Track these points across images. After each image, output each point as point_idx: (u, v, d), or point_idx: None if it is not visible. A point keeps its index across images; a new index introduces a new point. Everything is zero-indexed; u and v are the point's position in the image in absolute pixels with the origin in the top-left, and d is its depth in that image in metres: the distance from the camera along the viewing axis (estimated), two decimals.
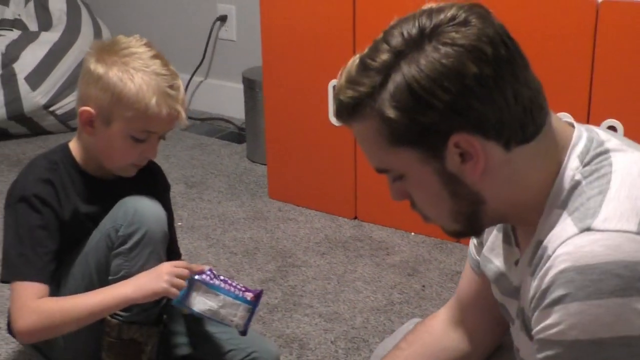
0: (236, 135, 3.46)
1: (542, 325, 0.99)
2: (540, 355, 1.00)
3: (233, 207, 2.82)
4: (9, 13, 3.58)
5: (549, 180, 1.05)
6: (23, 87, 3.29)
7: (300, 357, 2.00)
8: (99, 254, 1.67)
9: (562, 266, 0.95)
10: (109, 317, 1.68)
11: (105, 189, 1.75)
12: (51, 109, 3.36)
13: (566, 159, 1.06)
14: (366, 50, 1.06)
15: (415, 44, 1.01)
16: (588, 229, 0.95)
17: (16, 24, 3.54)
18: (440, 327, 1.39)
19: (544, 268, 0.99)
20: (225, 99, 3.63)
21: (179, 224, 2.67)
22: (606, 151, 1.05)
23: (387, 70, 1.01)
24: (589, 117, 2.22)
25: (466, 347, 1.36)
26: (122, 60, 1.62)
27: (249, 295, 1.69)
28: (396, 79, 1.00)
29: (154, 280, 1.61)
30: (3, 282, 1.69)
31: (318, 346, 2.05)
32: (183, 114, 1.66)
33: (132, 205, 1.66)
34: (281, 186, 2.85)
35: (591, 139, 1.07)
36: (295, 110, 2.72)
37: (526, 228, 1.12)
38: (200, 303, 1.67)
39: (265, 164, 2.97)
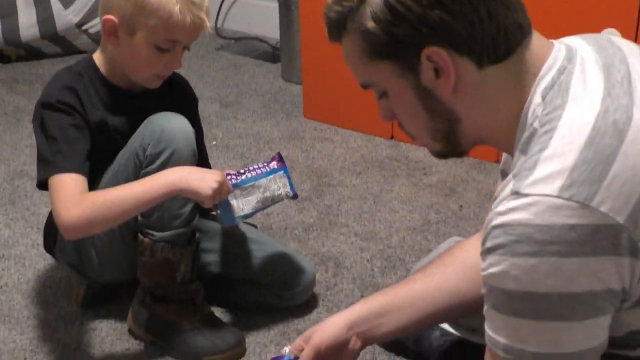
0: (271, 54, 3.41)
1: (482, 264, 1.06)
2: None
3: (268, 127, 2.79)
4: None
5: (517, 111, 1.08)
6: (55, 5, 3.26)
7: (336, 275, 1.99)
8: (128, 173, 1.65)
9: (493, 222, 1.02)
10: (141, 237, 1.67)
11: (132, 101, 1.72)
12: (84, 27, 3.33)
13: (532, 91, 1.06)
14: None
15: None
16: (517, 193, 1.00)
17: None
18: (477, 250, 1.38)
19: (489, 214, 1.05)
20: (260, 17, 3.57)
21: (214, 143, 2.65)
22: (565, 96, 1.04)
23: None
24: None
25: None
26: None
27: (274, 164, 1.74)
28: None
29: (201, 181, 1.57)
30: (40, 186, 1.64)
31: (354, 264, 2.03)
32: (207, 23, 1.63)
33: (159, 124, 1.63)
34: (316, 106, 2.81)
35: (562, 69, 1.06)
36: None
37: (507, 146, 1.14)
38: (246, 204, 1.70)
39: (300, 84, 2.93)
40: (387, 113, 1.17)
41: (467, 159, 2.51)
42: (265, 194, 1.71)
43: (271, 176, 1.73)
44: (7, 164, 2.54)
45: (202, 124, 1.90)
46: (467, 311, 1.40)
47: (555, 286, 0.99)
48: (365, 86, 1.15)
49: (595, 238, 0.96)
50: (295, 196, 1.77)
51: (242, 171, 1.71)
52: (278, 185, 1.73)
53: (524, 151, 1.05)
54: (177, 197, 1.62)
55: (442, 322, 1.53)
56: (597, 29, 2.06)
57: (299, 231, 2.17)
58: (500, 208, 1.01)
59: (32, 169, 2.42)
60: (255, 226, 2.01)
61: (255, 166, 1.73)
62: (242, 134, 2.74)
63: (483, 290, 1.06)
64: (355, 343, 1.41)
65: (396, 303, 1.41)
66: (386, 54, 1.07)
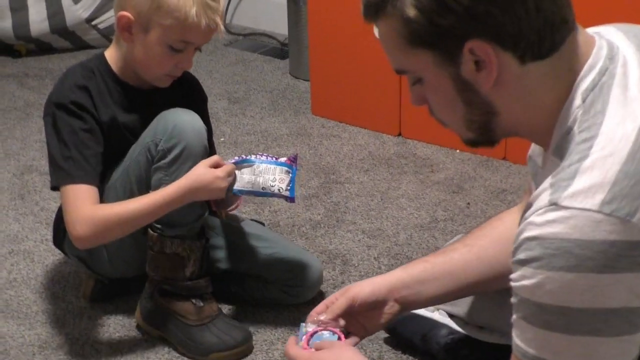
0: (279, 51, 3.41)
1: (512, 274, 1.04)
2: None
3: (276, 123, 2.79)
4: None
5: (556, 110, 1.06)
6: (65, 0, 3.27)
7: (343, 273, 2.00)
8: (139, 168, 1.67)
9: (528, 233, 1.00)
10: (151, 231, 1.68)
11: (142, 99, 1.74)
12: (93, 22, 3.34)
13: (572, 92, 1.05)
14: None
15: None
16: (555, 204, 0.98)
17: None
18: (514, 223, 1.36)
19: (522, 224, 1.03)
20: (268, 13, 3.57)
21: (222, 139, 2.66)
22: (605, 101, 1.02)
23: None
24: None
25: None
26: None
27: (284, 160, 1.73)
28: None
29: (212, 186, 1.63)
30: (53, 189, 1.70)
31: (361, 262, 2.04)
32: (222, 27, 1.65)
33: (172, 119, 1.65)
34: (324, 102, 2.82)
35: (603, 70, 1.04)
36: (340, 25, 2.66)
37: (541, 142, 1.13)
38: (238, 181, 1.70)
39: (308, 80, 2.93)
40: (419, 99, 1.14)
41: (474, 156, 2.51)
42: (258, 179, 1.70)
43: (273, 166, 1.71)
44: (16, 159, 2.56)
45: (211, 120, 1.91)
46: (503, 282, 1.39)
47: (591, 301, 0.97)
48: (399, 72, 1.12)
49: (634, 254, 0.96)
50: (291, 200, 1.73)
51: (252, 156, 1.72)
52: (276, 178, 1.70)
53: (560, 154, 1.03)
54: None
55: (479, 292, 1.52)
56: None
57: (306, 228, 2.18)
58: (537, 219, 0.99)
59: (42, 164, 2.45)
60: (262, 223, 2.01)
61: (268, 155, 1.74)
62: (250, 130, 2.75)
63: (513, 300, 1.05)
64: (392, 306, 1.40)
65: (435, 272, 1.41)
66: (427, 43, 1.04)
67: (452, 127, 1.15)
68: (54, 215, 1.88)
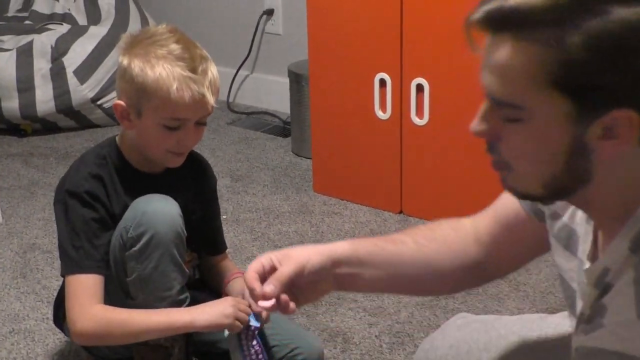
0: (281, 129, 3.46)
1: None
2: None
3: (278, 201, 2.81)
4: (59, 7, 3.62)
5: None
6: (72, 80, 3.33)
7: (344, 351, 1.99)
8: (115, 254, 1.67)
9: (610, 346, 0.92)
10: None
11: (153, 183, 1.74)
12: (99, 102, 3.39)
13: None
14: None
15: None
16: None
17: (66, 18, 3.57)
18: (470, 231, 1.29)
19: (593, 322, 0.95)
20: (271, 92, 3.63)
21: (224, 217, 2.66)
22: None
23: (596, 2, 0.86)
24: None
25: (485, 261, 1.28)
26: (144, 50, 1.61)
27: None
28: (608, 17, 0.85)
29: (220, 315, 1.61)
30: (63, 276, 1.69)
31: (362, 340, 2.03)
32: (208, 97, 1.61)
33: (142, 206, 1.64)
34: (326, 180, 2.84)
35: None
36: (341, 104, 2.71)
37: (606, 223, 1.01)
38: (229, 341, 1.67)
39: (310, 158, 2.96)
40: (491, 134, 0.97)
41: None
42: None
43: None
44: (19, 237, 2.57)
45: None
46: (437, 288, 1.35)
47: None
48: (501, 103, 0.93)
49: None
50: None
51: (254, 343, 1.66)
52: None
53: (636, 249, 0.94)
54: (164, 274, 1.65)
55: (406, 293, 1.40)
56: None
57: (307, 307, 2.18)
58: (624, 332, 0.90)
59: (45, 242, 2.46)
60: None
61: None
62: (252, 208, 2.77)
63: None
64: (327, 282, 1.22)
65: (381, 258, 1.25)
66: (574, 92, 0.88)
67: (520, 177, 0.99)
68: (55, 294, 1.88)
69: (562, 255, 1.16)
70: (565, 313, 1.29)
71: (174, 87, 1.58)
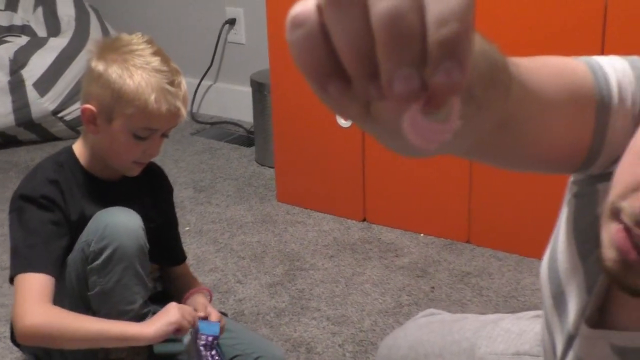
0: (245, 138, 3.44)
1: None
2: None
3: (241, 211, 2.80)
4: (17, 19, 3.59)
5: None
6: (31, 93, 3.29)
7: None
8: (77, 267, 1.65)
9: None
10: None
11: (110, 190, 1.74)
12: (60, 114, 3.35)
13: None
14: None
15: None
16: None
17: (25, 30, 3.54)
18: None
19: None
20: (234, 102, 3.62)
21: (187, 228, 2.65)
22: None
23: None
24: None
25: None
26: (122, 57, 1.62)
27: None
28: None
29: (165, 323, 1.61)
30: (11, 280, 1.64)
31: (325, 350, 2.02)
32: (183, 111, 1.65)
33: (104, 220, 1.62)
34: (289, 189, 2.83)
35: None
36: (304, 113, 2.70)
37: None
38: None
39: (273, 167, 2.96)
40: None
41: (438, 240, 2.52)
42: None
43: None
44: None
45: (176, 210, 1.91)
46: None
47: None
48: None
49: None
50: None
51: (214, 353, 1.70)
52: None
53: None
54: (127, 287, 1.63)
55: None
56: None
57: (270, 317, 2.16)
58: None
59: (2, 259, 2.42)
60: (225, 314, 2.00)
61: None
62: (216, 218, 2.75)
63: None
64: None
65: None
66: None
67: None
68: (11, 312, 1.85)
69: None
70: (525, 314, 1.29)
71: (152, 97, 1.60)
